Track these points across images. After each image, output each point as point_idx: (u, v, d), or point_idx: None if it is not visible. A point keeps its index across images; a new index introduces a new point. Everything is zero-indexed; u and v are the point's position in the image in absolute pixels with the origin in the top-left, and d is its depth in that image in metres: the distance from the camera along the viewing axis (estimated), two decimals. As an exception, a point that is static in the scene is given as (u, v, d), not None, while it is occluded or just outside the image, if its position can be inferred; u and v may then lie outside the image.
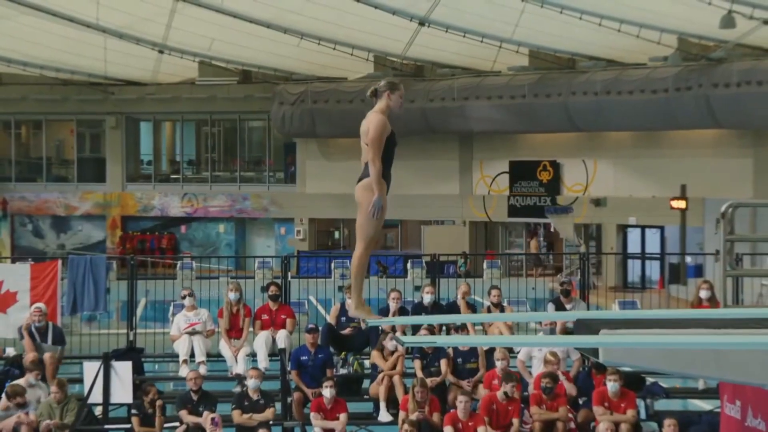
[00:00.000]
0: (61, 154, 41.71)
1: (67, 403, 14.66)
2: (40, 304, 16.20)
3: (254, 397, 14.74)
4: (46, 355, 15.53)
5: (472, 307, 17.17)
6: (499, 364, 14.84)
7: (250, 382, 14.80)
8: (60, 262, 17.81)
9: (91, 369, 15.32)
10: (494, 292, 16.60)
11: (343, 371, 15.93)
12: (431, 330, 15.31)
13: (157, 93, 37.49)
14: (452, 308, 16.63)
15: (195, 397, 14.74)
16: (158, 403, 14.72)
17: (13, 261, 24.00)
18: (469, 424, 13.92)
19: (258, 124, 40.61)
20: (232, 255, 37.43)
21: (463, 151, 36.21)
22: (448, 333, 15.93)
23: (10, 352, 16.54)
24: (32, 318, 15.93)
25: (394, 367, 15.29)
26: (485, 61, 31.34)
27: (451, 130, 34.43)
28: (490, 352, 15.26)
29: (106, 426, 15.20)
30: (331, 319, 16.72)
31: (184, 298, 16.64)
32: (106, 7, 28.20)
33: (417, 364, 15.30)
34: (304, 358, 15.57)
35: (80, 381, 15.60)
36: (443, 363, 15.31)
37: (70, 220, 40.09)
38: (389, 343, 15.31)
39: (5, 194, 39.74)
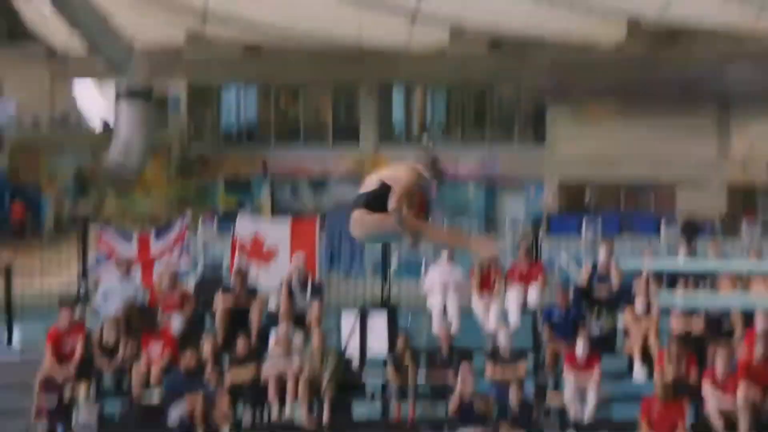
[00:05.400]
0: (317, 120, 43.02)
1: (327, 354, 15.16)
2: (300, 258, 16.71)
3: (506, 353, 14.83)
4: (314, 306, 15.98)
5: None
6: (760, 324, 14.30)
7: (502, 338, 14.90)
8: (318, 219, 18.36)
9: (348, 320, 15.76)
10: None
11: (595, 328, 15.75)
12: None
13: (408, 61, 37.90)
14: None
15: (445, 354, 15.01)
16: (408, 354, 15.01)
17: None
18: (729, 382, 13.52)
19: (508, 91, 40.54)
20: (481, 218, 37.58)
21: (722, 114, 34.97)
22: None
23: (272, 304, 17.05)
24: (293, 271, 16.49)
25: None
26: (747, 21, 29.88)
27: (709, 93, 33.27)
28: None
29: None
30: (581, 279, 16.50)
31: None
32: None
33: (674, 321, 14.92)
34: (556, 314, 15.52)
35: (337, 332, 16.02)
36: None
37: (326, 182, 41.28)
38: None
39: (266, 157, 41.29)
